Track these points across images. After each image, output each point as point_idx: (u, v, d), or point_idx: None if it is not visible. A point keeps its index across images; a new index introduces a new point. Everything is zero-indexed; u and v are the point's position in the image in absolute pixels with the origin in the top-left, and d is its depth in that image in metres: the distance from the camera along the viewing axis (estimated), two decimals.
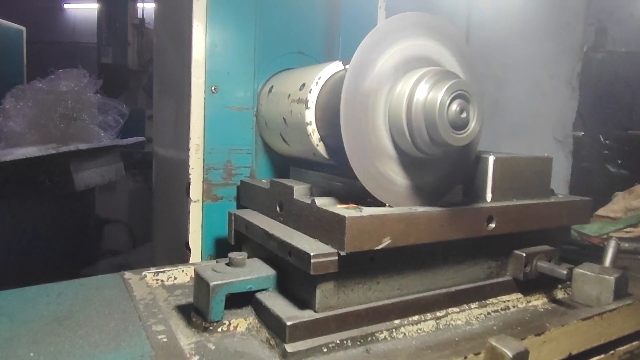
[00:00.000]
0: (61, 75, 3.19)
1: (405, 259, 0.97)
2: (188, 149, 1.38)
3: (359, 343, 0.89)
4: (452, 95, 0.88)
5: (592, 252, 1.51)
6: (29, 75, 4.07)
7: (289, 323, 0.84)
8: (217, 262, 1.10)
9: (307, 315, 0.87)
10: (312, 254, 0.83)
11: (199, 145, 1.40)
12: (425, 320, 0.98)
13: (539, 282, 1.15)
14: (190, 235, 1.40)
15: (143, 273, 1.14)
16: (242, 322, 0.94)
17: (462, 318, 1.03)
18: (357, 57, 0.91)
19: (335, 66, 1.20)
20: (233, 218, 1.19)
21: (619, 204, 1.61)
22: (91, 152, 3.17)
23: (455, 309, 1.03)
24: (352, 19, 1.67)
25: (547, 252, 1.14)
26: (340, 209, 0.89)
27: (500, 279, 1.12)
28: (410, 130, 0.91)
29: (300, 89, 1.22)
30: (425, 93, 0.89)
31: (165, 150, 1.89)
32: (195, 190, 1.39)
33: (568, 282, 1.17)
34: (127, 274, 1.13)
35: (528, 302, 1.15)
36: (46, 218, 3.05)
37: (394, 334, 0.93)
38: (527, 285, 1.14)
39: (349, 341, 0.88)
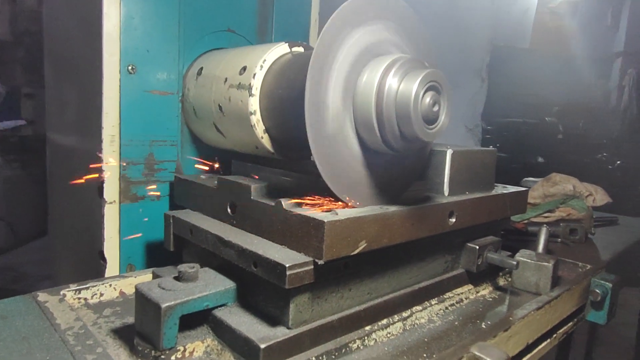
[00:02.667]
0: None
1: (375, 262, 0.91)
2: (97, 138, 1.18)
3: (333, 357, 0.82)
4: (426, 87, 0.82)
5: (517, 237, 1.61)
6: None
7: (263, 345, 0.74)
8: (156, 274, 0.95)
9: (281, 333, 0.77)
10: (287, 265, 0.74)
11: (114, 136, 1.19)
12: (394, 322, 0.94)
13: (485, 272, 1.17)
14: (105, 243, 1.20)
15: (61, 292, 0.95)
16: (199, 345, 0.82)
17: (425, 316, 1.01)
18: (320, 46, 0.81)
19: (282, 49, 1.09)
20: (172, 221, 1.04)
21: (538, 191, 1.74)
22: None
23: (419, 307, 1.01)
24: None
25: (494, 243, 1.17)
26: (315, 212, 0.80)
27: (454, 272, 1.12)
28: (380, 124, 0.84)
29: (241, 73, 1.09)
30: (397, 83, 0.82)
31: (63, 137, 1.62)
32: (111, 190, 1.19)
33: (507, 269, 1.22)
34: (41, 295, 0.92)
35: (477, 292, 1.17)
36: None
37: (366, 341, 0.88)
38: (476, 276, 1.16)
39: (324, 356, 0.80)
